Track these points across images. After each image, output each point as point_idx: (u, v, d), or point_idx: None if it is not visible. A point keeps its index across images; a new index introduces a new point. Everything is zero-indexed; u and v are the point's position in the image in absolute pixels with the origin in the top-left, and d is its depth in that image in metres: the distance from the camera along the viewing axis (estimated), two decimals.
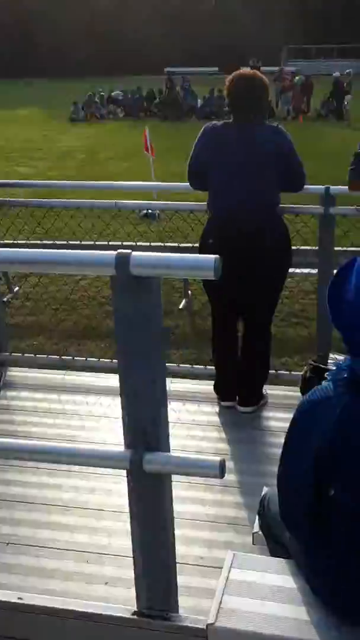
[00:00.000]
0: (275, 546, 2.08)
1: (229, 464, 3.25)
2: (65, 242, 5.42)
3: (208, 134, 3.56)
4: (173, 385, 3.99)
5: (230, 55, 32.97)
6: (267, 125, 3.56)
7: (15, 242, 5.58)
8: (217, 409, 3.82)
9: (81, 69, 42.04)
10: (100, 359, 4.50)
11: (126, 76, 30.94)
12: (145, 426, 1.86)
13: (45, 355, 4.62)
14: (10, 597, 2.08)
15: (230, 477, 3.14)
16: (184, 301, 6.14)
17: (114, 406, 3.75)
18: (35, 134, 20.20)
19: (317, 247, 3.91)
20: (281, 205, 3.59)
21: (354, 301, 1.70)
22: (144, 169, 11.29)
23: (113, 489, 3.10)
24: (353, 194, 3.67)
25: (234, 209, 3.46)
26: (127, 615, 2.01)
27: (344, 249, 4.66)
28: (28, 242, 5.60)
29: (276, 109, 22.61)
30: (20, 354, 4.61)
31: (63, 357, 4.60)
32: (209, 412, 3.80)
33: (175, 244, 5.59)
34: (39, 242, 5.61)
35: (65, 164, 15.11)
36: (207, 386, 3.95)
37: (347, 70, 25.17)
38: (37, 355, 4.59)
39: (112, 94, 26.45)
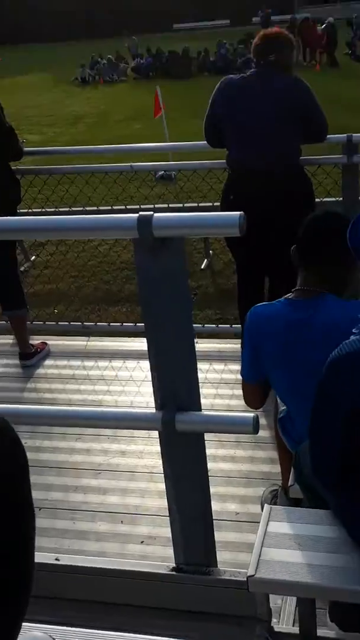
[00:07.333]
0: (312, 497, 2.07)
1: (259, 420, 3.22)
2: (81, 209, 5.34)
3: (225, 87, 3.49)
4: (198, 345, 3.95)
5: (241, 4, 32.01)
6: (287, 77, 3.48)
7: (31, 210, 5.52)
8: None
9: (87, 31, 41.15)
10: (123, 324, 4.48)
11: (133, 35, 30.25)
12: (176, 386, 1.85)
13: (67, 323, 4.60)
14: (48, 558, 2.09)
15: (261, 433, 3.12)
16: (205, 261, 6.07)
17: (139, 369, 3.73)
18: (43, 99, 19.96)
19: (340, 198, 3.84)
20: (302, 157, 3.52)
21: None
22: (156, 131, 11.12)
23: (144, 450, 3.11)
24: None
25: (254, 162, 3.39)
26: (166, 571, 2.02)
27: None
28: (44, 210, 5.52)
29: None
30: (41, 322, 4.60)
31: (85, 323, 4.57)
32: (236, 370, 3.74)
33: (195, 204, 5.50)
34: (54, 209, 5.53)
35: (77, 129, 14.93)
36: (233, 345, 3.92)
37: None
38: (59, 323, 4.58)
39: (121, 54, 26.00)
